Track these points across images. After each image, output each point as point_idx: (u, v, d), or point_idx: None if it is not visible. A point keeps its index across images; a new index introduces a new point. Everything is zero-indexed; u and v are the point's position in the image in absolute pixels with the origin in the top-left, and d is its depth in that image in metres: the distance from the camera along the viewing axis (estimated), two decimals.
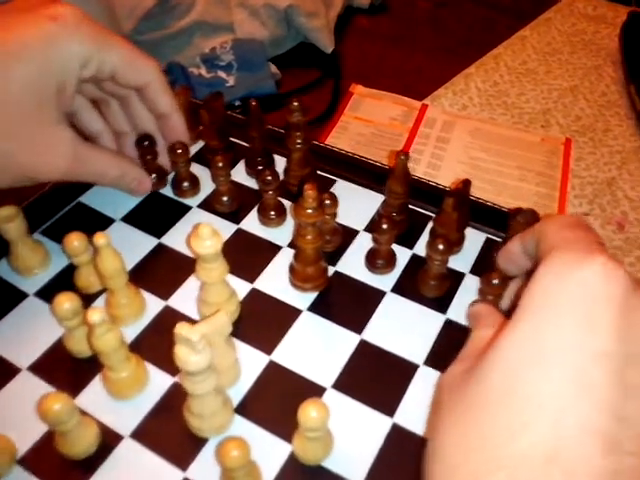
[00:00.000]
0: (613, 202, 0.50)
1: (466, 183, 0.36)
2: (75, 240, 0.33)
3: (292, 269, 0.35)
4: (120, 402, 0.31)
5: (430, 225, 0.38)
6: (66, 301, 0.30)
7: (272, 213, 0.38)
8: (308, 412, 0.25)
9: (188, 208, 0.40)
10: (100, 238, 0.31)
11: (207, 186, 0.41)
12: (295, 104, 0.36)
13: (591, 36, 0.66)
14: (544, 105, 0.58)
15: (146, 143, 0.39)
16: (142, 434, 0.30)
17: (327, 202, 0.34)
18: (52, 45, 0.31)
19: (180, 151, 0.38)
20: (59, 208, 0.40)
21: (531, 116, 0.57)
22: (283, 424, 0.29)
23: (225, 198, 0.39)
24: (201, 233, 0.30)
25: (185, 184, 0.40)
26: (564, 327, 0.17)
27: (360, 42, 0.66)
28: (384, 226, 0.33)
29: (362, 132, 0.55)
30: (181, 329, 0.25)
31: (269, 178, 0.36)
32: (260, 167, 0.40)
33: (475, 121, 0.56)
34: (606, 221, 0.48)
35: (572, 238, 0.21)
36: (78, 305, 0.30)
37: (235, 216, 0.39)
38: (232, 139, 0.44)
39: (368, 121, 0.56)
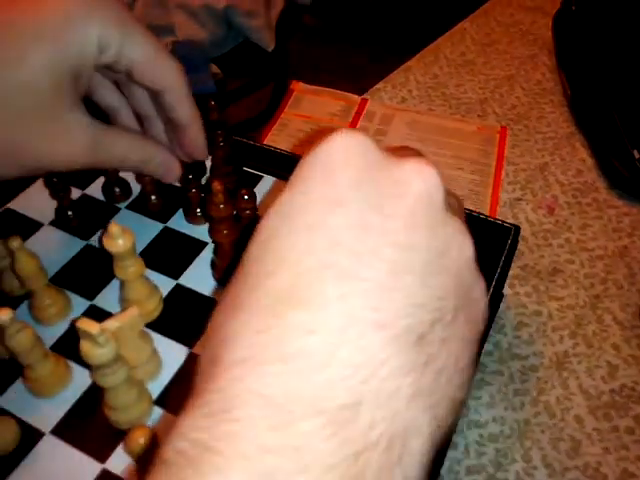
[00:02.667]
0: (545, 187, 0.51)
1: None
2: None
3: (213, 264, 0.36)
4: (41, 400, 0.31)
5: None
6: None
7: (197, 210, 0.39)
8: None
9: (117, 209, 0.41)
10: (14, 241, 0.31)
11: (136, 187, 0.42)
12: (212, 103, 0.37)
13: (528, 26, 0.67)
14: (481, 95, 0.60)
15: None
16: (63, 430, 0.30)
17: (245, 197, 0.35)
18: (70, 25, 0.28)
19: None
20: None
21: (468, 106, 0.58)
22: None
23: (153, 197, 0.40)
24: (111, 232, 0.30)
25: (116, 189, 0.41)
26: (306, 188, 0.19)
27: (302, 39, 0.67)
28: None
29: (302, 128, 0.56)
30: (82, 324, 0.26)
31: (189, 177, 0.37)
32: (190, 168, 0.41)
33: (413, 113, 0.57)
34: (537, 205, 0.50)
35: None
36: None
37: (162, 215, 0.40)
38: None
39: (308, 117, 0.57)
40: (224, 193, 0.31)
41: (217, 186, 0.31)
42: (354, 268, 0.17)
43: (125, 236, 0.31)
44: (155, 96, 0.34)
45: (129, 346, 0.30)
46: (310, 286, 0.17)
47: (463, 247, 0.19)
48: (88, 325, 0.26)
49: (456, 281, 0.19)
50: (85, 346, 0.26)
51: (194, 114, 0.34)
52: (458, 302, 0.18)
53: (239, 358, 0.16)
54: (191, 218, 0.39)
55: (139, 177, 0.39)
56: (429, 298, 0.17)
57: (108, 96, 0.35)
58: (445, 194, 0.19)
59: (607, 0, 0.61)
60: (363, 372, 0.15)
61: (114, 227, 0.30)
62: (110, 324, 0.28)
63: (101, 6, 0.29)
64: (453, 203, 0.22)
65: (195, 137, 0.35)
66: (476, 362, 0.19)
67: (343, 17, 0.71)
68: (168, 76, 0.32)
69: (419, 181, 0.19)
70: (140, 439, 0.26)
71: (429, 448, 0.16)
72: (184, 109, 0.33)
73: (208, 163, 0.42)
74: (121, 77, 0.34)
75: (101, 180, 0.42)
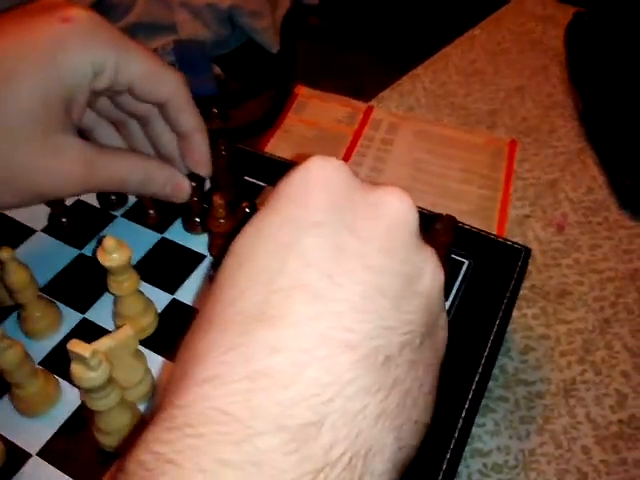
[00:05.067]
0: (555, 204, 0.50)
1: None
2: None
3: (211, 279, 0.34)
4: (29, 419, 0.30)
5: None
6: None
7: (197, 220, 0.37)
8: None
9: (112, 217, 0.39)
10: (4, 252, 0.30)
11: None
12: (214, 111, 0.35)
13: (540, 36, 0.66)
14: (491, 106, 0.58)
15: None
16: (50, 452, 0.29)
17: (247, 210, 0.34)
18: (62, 49, 0.28)
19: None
20: None
21: (477, 117, 0.57)
22: None
23: (151, 212, 0.38)
24: (106, 246, 0.29)
25: (112, 197, 0.39)
26: (281, 208, 0.19)
27: (307, 42, 0.65)
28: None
29: (306, 135, 0.54)
30: (73, 346, 0.25)
31: (192, 184, 0.35)
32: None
33: (420, 122, 0.56)
34: (546, 223, 0.48)
35: None
36: None
37: (159, 225, 0.38)
38: None
39: (312, 123, 0.55)
40: (225, 207, 0.30)
41: (218, 200, 0.30)
42: (327, 289, 0.17)
43: (121, 250, 0.29)
44: (161, 110, 0.33)
45: (122, 367, 0.28)
46: (281, 305, 0.17)
47: (435, 275, 0.20)
48: (80, 347, 0.24)
49: (426, 307, 0.19)
50: (76, 369, 0.25)
51: (198, 123, 0.33)
52: (426, 328, 0.19)
53: (207, 376, 0.16)
54: (190, 226, 0.38)
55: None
56: (400, 322, 0.18)
57: (109, 136, 0.35)
58: (418, 221, 0.20)
59: (621, 12, 0.60)
60: (329, 391, 0.16)
61: (109, 240, 0.29)
62: (103, 344, 0.26)
63: (94, 31, 0.29)
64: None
65: (199, 147, 0.34)
66: (437, 389, 0.20)
67: (349, 20, 0.69)
68: (169, 85, 0.31)
69: (394, 205, 0.19)
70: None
71: (391, 469, 0.17)
72: (187, 117, 0.33)
73: None
74: (117, 114, 0.34)
75: None
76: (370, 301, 0.17)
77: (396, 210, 0.19)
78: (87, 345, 0.25)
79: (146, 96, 0.31)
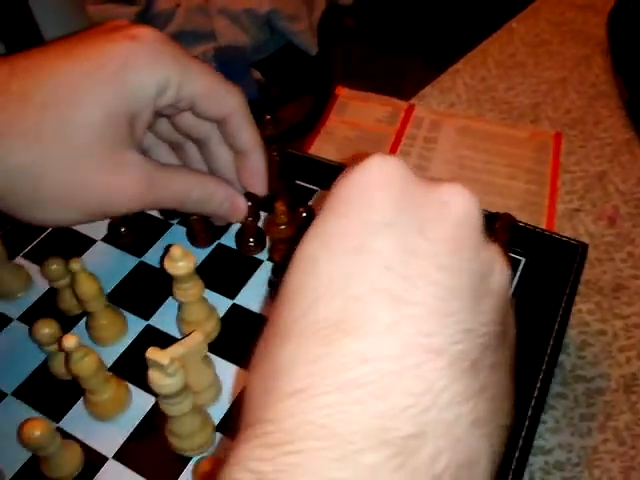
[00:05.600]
0: (604, 197, 0.49)
1: None
2: (53, 264, 0.33)
3: (271, 283, 0.35)
4: (103, 424, 0.31)
5: None
6: (45, 327, 0.30)
7: (251, 241, 0.37)
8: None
9: (169, 225, 0.40)
10: (74, 264, 0.31)
11: None
12: (267, 117, 0.36)
13: (580, 25, 0.65)
14: (533, 99, 0.57)
15: None
16: (125, 455, 0.30)
17: (304, 215, 0.34)
18: (129, 66, 0.28)
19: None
20: (40, 231, 0.40)
21: (520, 111, 0.56)
22: None
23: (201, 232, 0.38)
24: (173, 254, 0.30)
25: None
26: (344, 211, 0.19)
27: (345, 42, 0.65)
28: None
29: (348, 136, 0.54)
30: (152, 354, 0.25)
31: (249, 204, 0.34)
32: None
33: (463, 119, 0.55)
34: (597, 216, 0.48)
35: None
36: (57, 330, 0.31)
37: (215, 231, 0.39)
38: None
39: (354, 124, 0.56)
40: (287, 214, 0.30)
41: (280, 206, 0.30)
42: (405, 293, 0.17)
43: (187, 258, 0.30)
44: (220, 127, 0.33)
45: (193, 372, 0.29)
46: (362, 312, 0.17)
47: (503, 272, 0.19)
48: (158, 355, 0.25)
49: (498, 306, 0.19)
50: (154, 376, 0.26)
51: (257, 140, 0.34)
52: (501, 327, 0.18)
53: (294, 389, 0.16)
54: (244, 249, 0.37)
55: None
56: (478, 323, 0.17)
57: (166, 157, 0.35)
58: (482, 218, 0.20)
59: None
60: (424, 401, 0.15)
61: (176, 249, 0.30)
62: (176, 351, 0.27)
63: (159, 49, 0.29)
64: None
65: (256, 165, 0.34)
66: (514, 390, 0.20)
67: (385, 20, 0.69)
68: (231, 101, 0.32)
69: (459, 203, 0.19)
70: (207, 468, 0.25)
71: (489, 477, 0.16)
72: (247, 134, 0.33)
73: None
74: (176, 136, 0.35)
75: None
76: (447, 303, 0.17)
77: (462, 208, 0.19)
78: (164, 352, 0.26)
79: (208, 112, 0.31)
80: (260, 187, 0.35)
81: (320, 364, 0.16)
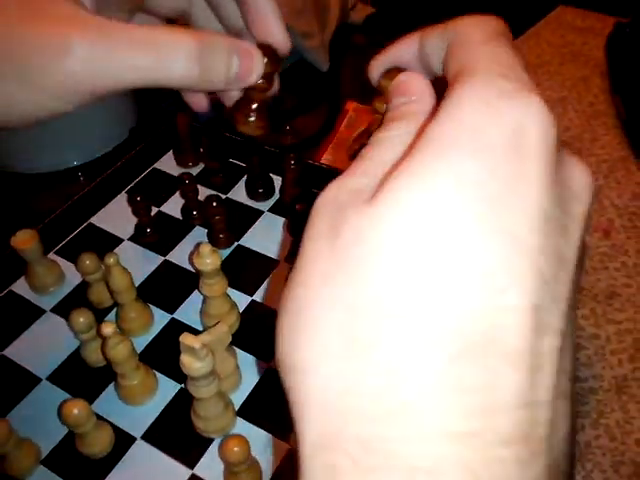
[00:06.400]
0: (600, 210, 0.52)
1: None
2: (87, 260, 0.36)
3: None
4: (132, 407, 0.34)
5: None
6: (81, 316, 0.33)
7: (252, 114, 0.26)
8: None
9: (192, 227, 0.43)
10: (110, 257, 0.33)
11: None
12: (288, 128, 0.39)
13: (580, 47, 0.68)
14: None
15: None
16: (152, 436, 0.32)
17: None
18: None
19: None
20: (71, 229, 0.43)
21: None
22: (281, 426, 0.32)
23: (222, 236, 0.41)
24: (202, 252, 0.32)
25: (194, 212, 0.42)
26: (486, 174, 0.14)
27: (356, 59, 0.68)
28: None
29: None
30: (185, 339, 0.28)
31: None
32: (260, 190, 0.43)
33: None
34: (593, 229, 0.50)
35: (502, 58, 0.16)
36: (92, 319, 0.33)
37: (235, 233, 0.42)
38: (232, 160, 0.47)
39: None
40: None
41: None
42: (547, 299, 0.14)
43: (213, 256, 0.33)
44: None
45: (218, 359, 0.31)
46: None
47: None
48: (190, 340, 0.28)
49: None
50: (186, 359, 0.28)
51: None
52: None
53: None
54: (239, 122, 0.26)
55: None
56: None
57: (207, 19, 0.27)
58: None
59: None
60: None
61: (205, 247, 0.32)
62: (204, 338, 0.30)
63: None
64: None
65: (265, 5, 0.25)
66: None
67: (393, 37, 0.72)
68: None
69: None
70: (235, 448, 0.27)
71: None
72: None
73: (277, 184, 0.44)
74: None
75: (178, 200, 0.44)
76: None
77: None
78: (196, 338, 0.28)
79: None
80: (277, 31, 0.26)
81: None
